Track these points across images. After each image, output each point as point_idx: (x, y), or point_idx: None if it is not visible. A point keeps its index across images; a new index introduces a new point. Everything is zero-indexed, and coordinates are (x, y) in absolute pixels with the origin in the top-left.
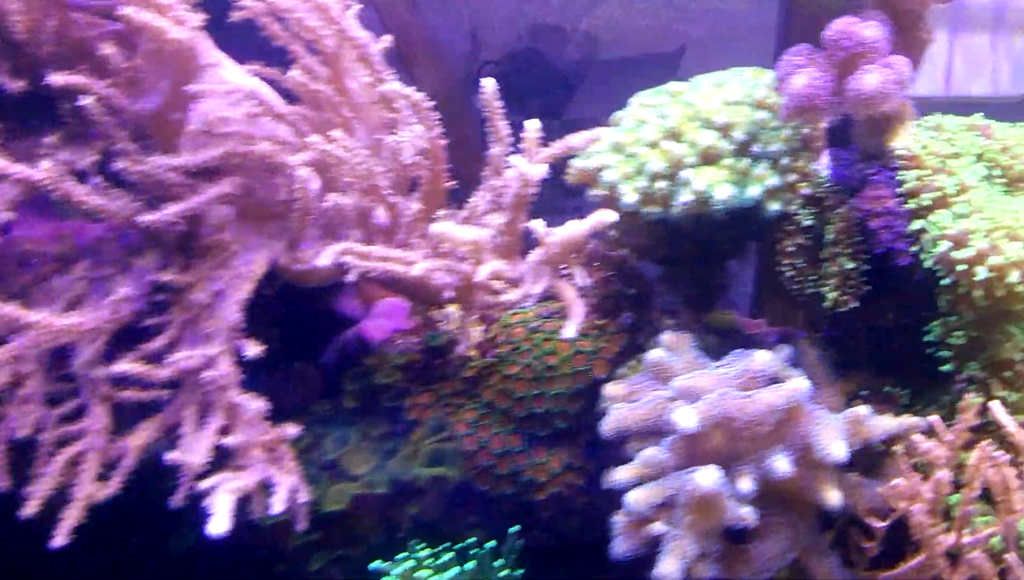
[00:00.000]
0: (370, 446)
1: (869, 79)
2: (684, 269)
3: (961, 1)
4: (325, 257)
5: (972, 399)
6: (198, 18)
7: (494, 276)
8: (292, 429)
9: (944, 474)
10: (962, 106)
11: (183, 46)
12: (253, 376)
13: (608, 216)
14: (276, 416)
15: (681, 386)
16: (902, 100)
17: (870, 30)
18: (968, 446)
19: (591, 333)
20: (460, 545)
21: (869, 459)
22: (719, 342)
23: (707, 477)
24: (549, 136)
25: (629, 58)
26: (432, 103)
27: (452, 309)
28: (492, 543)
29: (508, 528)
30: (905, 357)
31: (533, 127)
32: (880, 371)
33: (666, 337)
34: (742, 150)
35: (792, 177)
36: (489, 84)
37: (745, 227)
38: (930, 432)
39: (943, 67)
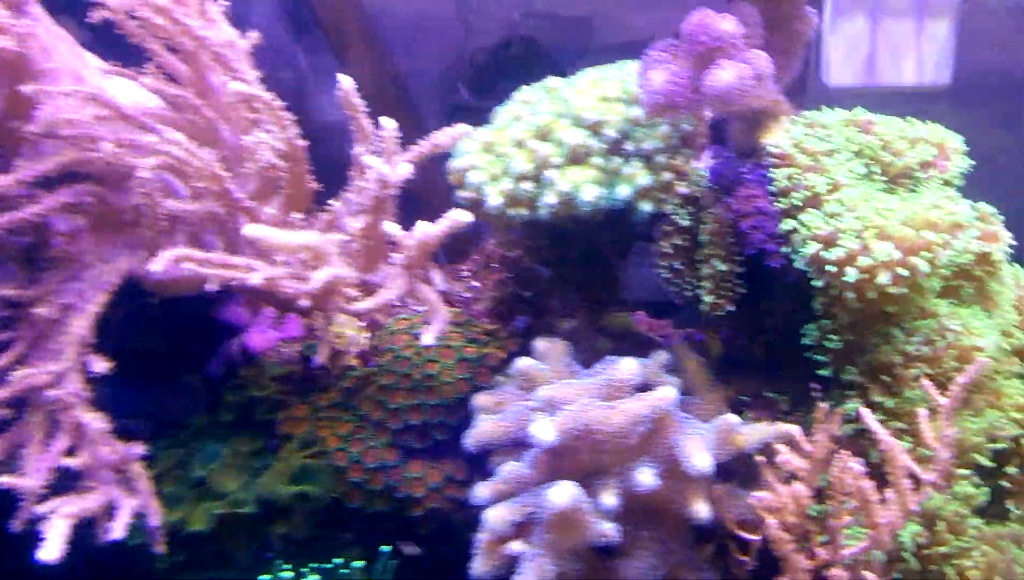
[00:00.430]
0: (240, 462)
1: (723, 75)
2: (572, 271)
3: None
4: (157, 264)
5: (827, 407)
6: (25, 23)
7: (334, 282)
8: (138, 448)
9: (800, 487)
10: (887, 96)
11: (10, 54)
12: (136, 389)
13: (464, 216)
14: (158, 429)
15: (543, 396)
16: (774, 96)
17: (727, 23)
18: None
19: (480, 338)
20: (328, 565)
21: (750, 469)
22: (611, 346)
23: (562, 494)
24: None
25: (624, 44)
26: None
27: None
28: (360, 563)
29: (387, 546)
30: (788, 361)
31: (390, 126)
32: (767, 376)
33: (540, 344)
34: (614, 149)
35: (668, 176)
36: (346, 81)
37: (623, 228)
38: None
39: (866, 56)
